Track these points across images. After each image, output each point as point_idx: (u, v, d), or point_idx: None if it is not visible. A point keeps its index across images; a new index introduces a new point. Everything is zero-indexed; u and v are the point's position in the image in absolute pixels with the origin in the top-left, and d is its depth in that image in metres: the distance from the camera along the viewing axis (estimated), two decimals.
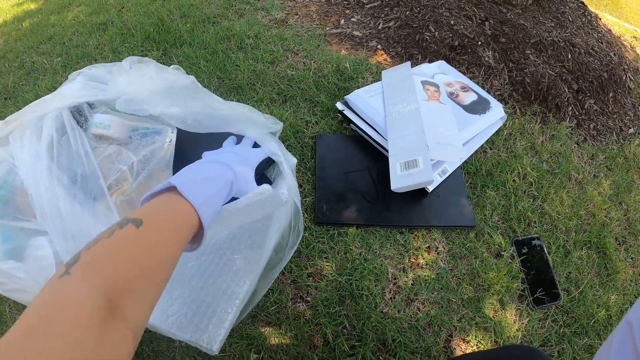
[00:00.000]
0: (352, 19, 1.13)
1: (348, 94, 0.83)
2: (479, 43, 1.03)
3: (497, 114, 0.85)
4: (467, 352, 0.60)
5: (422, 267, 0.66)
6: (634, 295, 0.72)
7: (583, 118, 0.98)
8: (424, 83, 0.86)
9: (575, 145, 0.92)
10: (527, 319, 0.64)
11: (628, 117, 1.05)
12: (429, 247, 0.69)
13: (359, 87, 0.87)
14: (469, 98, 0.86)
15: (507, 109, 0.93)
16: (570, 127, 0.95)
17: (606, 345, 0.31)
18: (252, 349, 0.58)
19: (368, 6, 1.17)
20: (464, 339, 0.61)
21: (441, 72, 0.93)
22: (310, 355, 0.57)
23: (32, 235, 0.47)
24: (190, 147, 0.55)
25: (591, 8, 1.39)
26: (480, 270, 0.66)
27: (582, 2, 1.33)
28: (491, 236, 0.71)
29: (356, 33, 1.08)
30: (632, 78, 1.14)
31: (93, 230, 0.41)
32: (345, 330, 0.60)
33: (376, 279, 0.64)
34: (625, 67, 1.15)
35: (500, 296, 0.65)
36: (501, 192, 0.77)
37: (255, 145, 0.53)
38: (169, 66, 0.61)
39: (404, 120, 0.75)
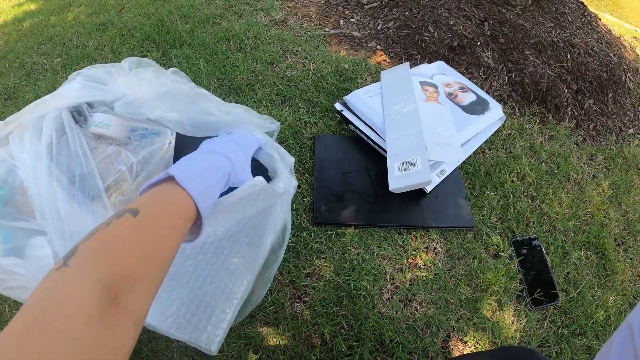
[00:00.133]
0: (352, 20, 1.13)
1: (347, 94, 0.83)
2: (478, 43, 1.03)
3: (496, 114, 0.85)
4: (465, 352, 0.60)
5: (420, 268, 0.66)
6: (633, 296, 0.72)
7: (582, 118, 0.98)
8: (422, 84, 0.86)
9: (575, 145, 0.92)
10: (525, 320, 0.64)
11: (627, 118, 1.05)
12: (427, 247, 0.69)
13: (358, 88, 0.87)
14: (467, 98, 0.86)
15: (506, 110, 0.93)
16: (570, 127, 0.95)
17: (606, 348, 0.30)
18: (250, 348, 0.58)
19: (367, 7, 1.17)
20: (461, 340, 0.61)
21: (440, 72, 0.93)
22: (308, 355, 0.58)
23: (31, 235, 0.47)
24: (189, 149, 0.55)
25: (591, 8, 1.39)
26: (479, 271, 0.67)
27: (582, 3, 1.33)
28: (489, 237, 0.71)
29: (355, 33, 1.08)
30: (632, 78, 1.14)
31: None
32: (342, 331, 0.60)
33: (374, 280, 0.64)
34: (625, 67, 1.15)
35: (498, 297, 0.65)
36: (500, 192, 0.77)
37: None
38: (168, 68, 0.62)
39: (402, 120, 0.75)
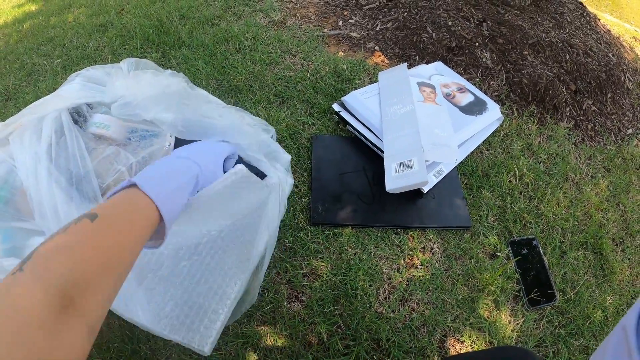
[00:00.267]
0: (350, 21, 1.14)
1: (345, 95, 0.83)
2: (477, 44, 1.03)
3: (493, 115, 0.86)
4: (462, 352, 0.61)
5: (416, 268, 0.67)
6: (630, 296, 0.72)
7: (581, 119, 0.98)
8: (420, 84, 0.86)
9: (573, 146, 0.92)
10: (522, 320, 0.64)
11: (626, 118, 1.05)
12: (424, 247, 0.69)
13: (356, 89, 0.88)
14: (465, 99, 0.87)
15: (505, 110, 0.93)
16: (568, 127, 0.95)
17: (601, 350, 0.31)
18: (248, 347, 0.58)
19: (366, 7, 1.17)
20: (458, 339, 0.62)
21: (438, 73, 0.94)
22: (304, 354, 0.58)
23: (31, 235, 0.47)
24: None
25: (591, 8, 1.39)
26: (475, 271, 0.67)
27: (581, 3, 1.33)
28: (486, 237, 0.71)
29: (354, 34, 1.08)
30: (631, 78, 1.14)
31: None
32: (339, 330, 0.60)
33: (371, 279, 0.64)
34: (624, 67, 1.15)
35: (495, 297, 0.65)
36: (497, 193, 0.77)
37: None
38: (167, 69, 0.62)
39: (399, 121, 0.76)
